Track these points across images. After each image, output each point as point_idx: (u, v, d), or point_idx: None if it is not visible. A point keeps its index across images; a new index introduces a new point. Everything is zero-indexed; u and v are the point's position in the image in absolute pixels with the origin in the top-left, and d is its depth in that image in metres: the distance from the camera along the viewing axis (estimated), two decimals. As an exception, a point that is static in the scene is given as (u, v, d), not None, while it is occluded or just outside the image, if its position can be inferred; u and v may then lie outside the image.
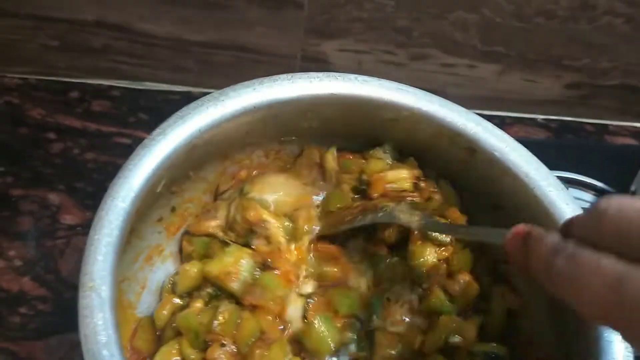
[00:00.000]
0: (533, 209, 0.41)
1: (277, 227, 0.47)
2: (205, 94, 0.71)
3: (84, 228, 0.61)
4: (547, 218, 0.40)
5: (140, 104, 0.71)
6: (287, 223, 0.47)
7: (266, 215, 0.46)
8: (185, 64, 0.71)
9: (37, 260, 0.58)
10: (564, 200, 0.40)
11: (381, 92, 0.43)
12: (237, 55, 0.70)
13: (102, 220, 0.32)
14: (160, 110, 0.71)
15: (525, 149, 0.43)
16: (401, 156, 0.49)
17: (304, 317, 0.45)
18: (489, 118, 0.46)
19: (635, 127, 0.79)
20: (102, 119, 0.69)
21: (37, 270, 0.57)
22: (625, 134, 0.79)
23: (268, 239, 0.47)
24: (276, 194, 0.49)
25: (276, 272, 0.46)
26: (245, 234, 0.47)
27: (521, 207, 0.43)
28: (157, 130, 0.38)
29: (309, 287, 0.46)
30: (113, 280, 0.31)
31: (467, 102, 0.59)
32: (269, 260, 0.46)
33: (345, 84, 0.43)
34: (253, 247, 0.47)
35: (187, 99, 0.71)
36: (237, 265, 0.44)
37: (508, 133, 0.45)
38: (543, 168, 0.42)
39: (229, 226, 0.48)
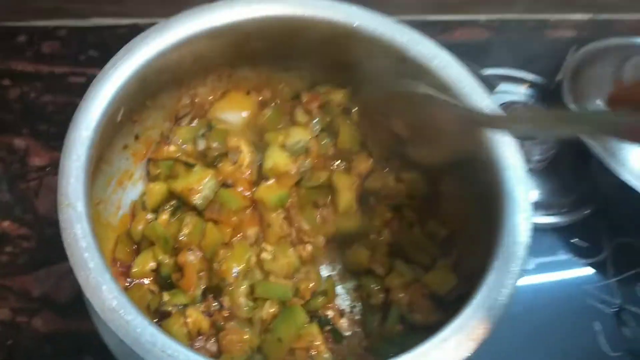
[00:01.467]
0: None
1: (247, 153, 0.52)
2: (153, 24, 0.73)
3: (54, 168, 0.63)
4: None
5: (89, 41, 0.72)
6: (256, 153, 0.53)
7: (243, 145, 0.52)
8: (129, -6, 0.71)
9: (14, 203, 0.61)
10: (480, 96, 0.45)
11: (316, 10, 0.46)
12: (182, -20, 0.70)
13: (69, 148, 0.36)
14: (109, 45, 0.71)
15: (448, 53, 0.47)
16: (338, 70, 0.52)
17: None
18: (433, 23, 0.49)
19: (575, 18, 0.82)
20: (53, 60, 0.70)
21: (16, 211, 0.60)
22: (565, 26, 0.82)
23: (235, 162, 0.52)
24: (238, 116, 0.54)
25: (235, 189, 0.52)
26: (214, 159, 0.52)
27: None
28: (109, 64, 0.41)
29: None
30: (87, 198, 0.35)
31: (410, 8, 0.61)
32: (230, 180, 0.51)
33: (283, 5, 0.46)
34: (217, 166, 0.52)
35: (134, 31, 0.72)
36: (200, 183, 0.49)
37: (452, 37, 0.49)
38: (462, 68, 0.46)
39: (199, 153, 0.53)
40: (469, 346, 0.35)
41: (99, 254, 0.34)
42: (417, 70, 0.46)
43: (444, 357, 0.35)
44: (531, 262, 0.63)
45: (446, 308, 0.37)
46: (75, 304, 0.56)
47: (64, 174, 0.35)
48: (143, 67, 0.41)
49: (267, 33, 0.47)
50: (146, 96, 0.46)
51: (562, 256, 0.64)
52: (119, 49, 0.69)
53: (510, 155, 0.42)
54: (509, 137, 0.42)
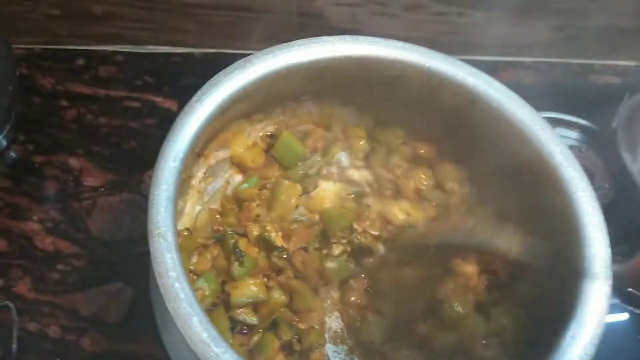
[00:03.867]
0: (526, 151, 0.47)
1: None
2: (205, 54, 0.75)
3: (107, 189, 0.65)
4: (537, 156, 0.46)
5: (144, 68, 0.74)
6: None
7: None
8: (184, 25, 0.73)
9: (67, 221, 0.62)
10: (553, 141, 0.46)
11: (387, 51, 0.47)
12: (235, 14, 0.72)
13: (159, 179, 0.37)
14: (164, 72, 0.74)
15: (519, 97, 0.48)
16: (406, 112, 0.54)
17: None
18: (480, 63, 0.50)
19: (619, 65, 0.83)
20: (110, 84, 0.72)
21: (68, 230, 0.61)
22: (609, 72, 0.82)
23: None
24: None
25: None
26: None
27: (516, 150, 0.48)
28: (194, 98, 0.42)
29: None
30: (175, 228, 0.36)
31: (459, 49, 0.62)
32: None
33: (356, 45, 0.47)
34: None
35: (188, 60, 0.74)
36: None
37: (499, 77, 0.49)
38: (534, 113, 0.47)
39: None
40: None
41: (188, 285, 0.34)
42: (486, 110, 0.47)
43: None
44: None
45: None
46: (123, 325, 0.57)
47: (154, 204, 0.36)
48: (226, 101, 0.42)
49: (339, 71, 0.48)
50: (219, 128, 0.47)
51: (619, 306, 0.63)
52: (173, 76, 0.71)
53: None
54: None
